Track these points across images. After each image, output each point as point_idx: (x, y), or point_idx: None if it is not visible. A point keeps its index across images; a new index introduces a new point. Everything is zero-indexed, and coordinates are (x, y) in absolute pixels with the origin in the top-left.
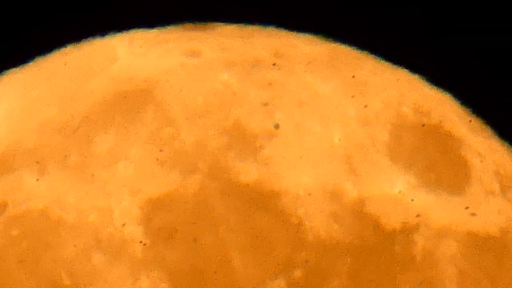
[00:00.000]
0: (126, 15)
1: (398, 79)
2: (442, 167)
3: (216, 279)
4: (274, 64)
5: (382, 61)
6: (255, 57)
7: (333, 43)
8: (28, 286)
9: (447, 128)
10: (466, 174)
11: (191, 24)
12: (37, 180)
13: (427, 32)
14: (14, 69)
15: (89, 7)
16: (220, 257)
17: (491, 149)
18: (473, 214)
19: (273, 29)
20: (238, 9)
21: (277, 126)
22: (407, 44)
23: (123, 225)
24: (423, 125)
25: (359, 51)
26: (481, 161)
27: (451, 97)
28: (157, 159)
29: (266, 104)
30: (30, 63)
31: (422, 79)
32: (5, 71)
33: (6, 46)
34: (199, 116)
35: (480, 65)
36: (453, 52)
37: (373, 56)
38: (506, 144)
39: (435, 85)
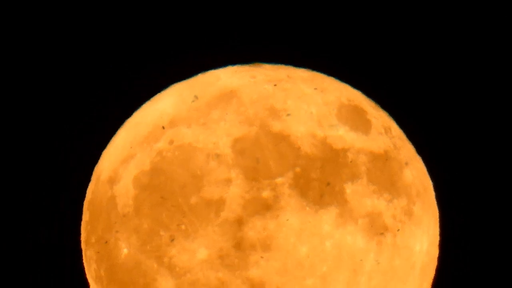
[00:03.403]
0: (224, 60)
1: (339, 86)
2: (360, 123)
3: (263, 171)
4: (287, 80)
5: (333, 78)
6: (279, 77)
7: (312, 71)
8: (183, 175)
9: (361, 107)
10: (369, 126)
11: (252, 64)
12: (187, 129)
13: (357, 60)
14: (174, 84)
15: (208, 57)
16: (264, 161)
17: (381, 116)
18: (372, 142)
19: (287, 66)
20: (271, 58)
21: (288, 107)
22: (344, 70)
23: (223, 149)
24: (351, 106)
25: (323, 74)
26: (376, 120)
27: (362, 93)
28: (238, 121)
29: (284, 97)
30: (181, 82)
31: (350, 86)
32: (171, 85)
33: (172, 74)
34: (255, 103)
35: (379, 74)
36: (365, 69)
37: (328, 76)
38: (387, 114)
39: (355, 88)
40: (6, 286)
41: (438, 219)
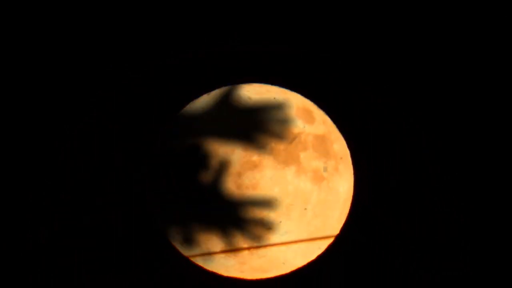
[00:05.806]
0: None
1: (297, 96)
2: (309, 119)
3: (253, 145)
4: (266, 93)
5: (293, 92)
6: (262, 91)
7: (281, 88)
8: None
9: (309, 108)
10: (314, 119)
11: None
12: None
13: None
14: (204, 95)
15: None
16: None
17: (320, 114)
18: (316, 129)
19: (266, 84)
20: (258, 80)
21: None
22: (299, 87)
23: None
24: (304, 108)
25: (287, 90)
26: (318, 116)
27: (310, 101)
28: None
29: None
30: (210, 93)
31: (302, 96)
32: (199, 97)
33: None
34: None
35: (319, 91)
36: (312, 87)
37: (290, 90)
38: (324, 112)
39: (306, 98)
40: (94, 228)
41: (353, 173)
